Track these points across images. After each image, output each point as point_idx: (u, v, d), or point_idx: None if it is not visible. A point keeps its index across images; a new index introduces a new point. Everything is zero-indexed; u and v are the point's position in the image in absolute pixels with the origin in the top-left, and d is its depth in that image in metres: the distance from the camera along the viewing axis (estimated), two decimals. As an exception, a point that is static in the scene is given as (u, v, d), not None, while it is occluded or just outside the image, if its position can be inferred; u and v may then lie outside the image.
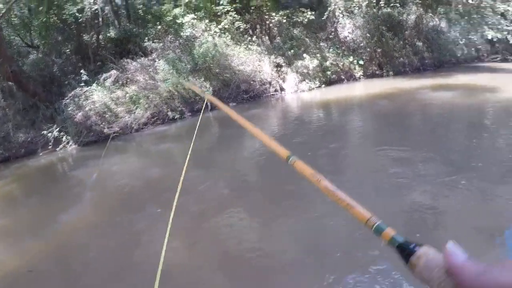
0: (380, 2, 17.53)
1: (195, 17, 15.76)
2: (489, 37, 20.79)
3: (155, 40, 13.76)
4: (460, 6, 18.97)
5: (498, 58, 24.99)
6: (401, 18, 19.86)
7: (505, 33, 22.83)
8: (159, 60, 12.86)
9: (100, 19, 13.13)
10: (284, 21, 16.91)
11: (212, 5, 16.68)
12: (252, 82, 14.47)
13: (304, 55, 16.07)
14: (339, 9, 17.54)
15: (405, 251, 0.60)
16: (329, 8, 17.37)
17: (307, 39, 17.08)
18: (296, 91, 15.43)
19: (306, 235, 4.66)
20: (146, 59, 12.90)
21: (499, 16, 22.25)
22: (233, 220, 5.19)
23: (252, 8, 16.63)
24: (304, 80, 15.70)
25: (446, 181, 5.75)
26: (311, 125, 10.60)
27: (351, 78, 17.45)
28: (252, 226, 5.10)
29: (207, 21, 15.91)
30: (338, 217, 4.69)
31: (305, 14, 17.09)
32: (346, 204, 0.82)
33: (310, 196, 5.45)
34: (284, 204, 5.56)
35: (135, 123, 10.60)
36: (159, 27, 14.59)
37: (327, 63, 16.52)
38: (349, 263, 4.02)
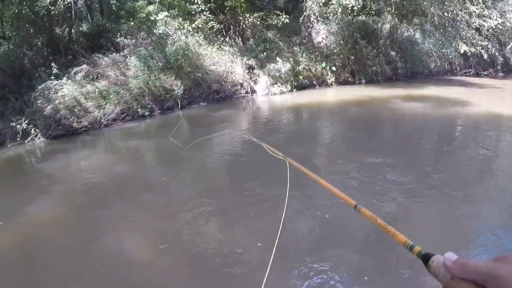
0: (354, 9, 18.22)
1: (169, 15, 16.25)
2: (462, 51, 21.70)
3: (127, 36, 14.22)
4: (435, 18, 19.78)
5: (471, 72, 26.17)
6: (375, 26, 20.80)
7: (479, 48, 23.91)
8: (130, 56, 13.36)
9: (73, 13, 13.47)
10: (258, 23, 17.51)
11: (187, 3, 17.17)
12: (223, 83, 15.11)
13: (277, 58, 16.75)
14: (314, 14, 18.14)
15: (425, 259, 0.85)
16: (304, 13, 17.98)
17: (280, 43, 17.83)
18: (268, 94, 16.16)
19: (273, 236, 5.04)
20: (118, 55, 13.36)
21: (473, 31, 23.34)
22: (200, 220, 5.46)
23: (227, 8, 17.18)
24: (276, 83, 16.44)
25: (413, 188, 6.42)
26: (281, 129, 11.24)
27: (323, 84, 18.25)
28: (220, 226, 5.38)
29: (180, 19, 16.49)
30: (301, 220, 5.26)
31: (280, 17, 17.77)
32: (393, 233, 1.13)
33: (279, 199, 5.79)
34: (253, 205, 5.88)
35: (105, 119, 11.03)
36: (132, 23, 15.00)
37: (300, 68, 17.27)
38: (311, 261, 4.34)
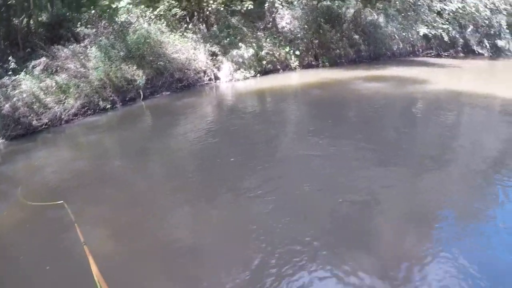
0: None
1: (131, 2, 16.13)
2: (421, 34, 22.29)
3: (88, 26, 14.08)
4: (397, 2, 20.23)
5: (432, 53, 26.95)
6: (340, 11, 20.99)
7: (440, 30, 24.61)
8: (91, 47, 13.23)
9: (31, 1, 13.21)
10: (222, 9, 17.49)
11: None
12: (186, 71, 15.17)
13: (240, 44, 16.89)
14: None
15: None
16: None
17: (244, 28, 17.88)
18: (231, 80, 16.37)
19: (236, 226, 5.31)
20: (78, 45, 13.22)
21: (435, 14, 23.98)
22: (163, 211, 5.68)
23: (191, -6, 17.07)
24: (239, 69, 16.63)
25: (376, 169, 6.85)
26: (244, 114, 11.65)
27: (287, 68, 18.55)
28: (183, 217, 5.63)
29: (142, 6, 16.37)
30: (269, 209, 5.53)
31: (243, 2, 17.76)
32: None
33: (243, 189, 6.31)
34: (218, 195, 6.19)
35: (65, 114, 10.90)
36: (93, 11, 14.86)
37: (263, 53, 17.44)
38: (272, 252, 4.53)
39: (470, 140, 8.77)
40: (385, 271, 4.11)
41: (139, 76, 13.51)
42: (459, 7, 25.57)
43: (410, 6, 21.25)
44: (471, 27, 30.34)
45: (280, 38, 18.78)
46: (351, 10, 21.54)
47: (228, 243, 4.87)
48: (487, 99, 12.61)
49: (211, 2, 17.08)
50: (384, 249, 4.59)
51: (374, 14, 23.06)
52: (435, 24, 24.45)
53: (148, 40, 14.35)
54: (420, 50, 26.44)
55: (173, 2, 16.68)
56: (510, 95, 12.69)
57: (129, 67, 13.48)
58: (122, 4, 15.55)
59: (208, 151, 8.26)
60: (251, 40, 17.58)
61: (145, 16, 15.80)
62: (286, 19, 19.44)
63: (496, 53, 35.48)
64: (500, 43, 36.46)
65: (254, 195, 5.94)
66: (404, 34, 23.55)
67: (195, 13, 17.51)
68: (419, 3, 21.21)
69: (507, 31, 35.11)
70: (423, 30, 22.04)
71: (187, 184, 6.70)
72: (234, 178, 6.81)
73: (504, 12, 31.51)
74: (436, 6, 23.59)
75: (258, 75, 17.12)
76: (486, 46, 33.57)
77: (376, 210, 5.50)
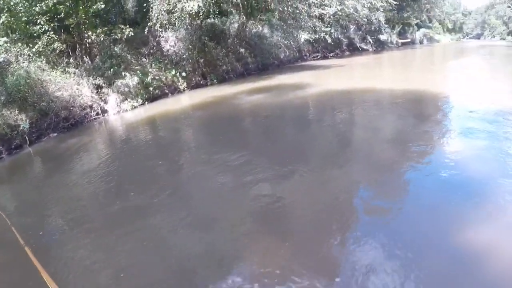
0: (200, 15, 19.02)
1: (8, 40, 15.82)
2: (302, 40, 23.78)
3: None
4: (276, 13, 21.35)
5: (319, 56, 28.82)
6: (224, 27, 21.77)
7: (323, 34, 26.30)
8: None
9: None
10: (102, 39, 17.79)
11: (28, 25, 16.72)
12: (72, 108, 15.12)
13: (124, 73, 17.32)
14: (162, 22, 18.70)
15: None
16: (149, 23, 18.47)
17: (128, 56, 18.17)
18: (119, 111, 16.59)
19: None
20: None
21: (316, 20, 25.59)
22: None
23: (72, 26, 17.01)
24: (126, 99, 16.92)
25: (280, 175, 7.34)
26: (137, 145, 11.79)
27: (175, 91, 19.12)
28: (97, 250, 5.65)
29: (19, 44, 16.04)
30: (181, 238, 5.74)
31: (123, 30, 18.02)
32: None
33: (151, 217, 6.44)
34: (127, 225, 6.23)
35: None
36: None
37: (148, 79, 17.83)
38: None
39: (347, 136, 10.33)
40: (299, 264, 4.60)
41: (23, 121, 13.18)
42: (338, 10, 27.40)
43: (289, 15, 22.39)
44: (353, 26, 32.80)
45: (166, 61, 19.30)
46: (235, 25, 22.41)
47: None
48: (365, 94, 14.90)
49: (90, 33, 17.16)
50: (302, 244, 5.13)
51: (259, 26, 24.13)
52: (317, 29, 26.06)
53: (28, 81, 14.11)
54: (308, 54, 28.03)
55: (53, 36, 16.49)
56: (386, 87, 14.55)
57: (11, 112, 13.14)
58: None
59: (104, 193, 8.06)
60: (136, 67, 17.93)
61: (24, 55, 15.49)
62: (170, 41, 19.99)
63: (380, 46, 38.86)
64: (382, 37, 40.01)
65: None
66: (286, 42, 24.82)
67: (77, 45, 17.50)
68: (298, 11, 22.39)
69: (386, 25, 38.50)
70: (304, 36, 23.46)
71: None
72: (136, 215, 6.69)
73: (381, 9, 34.31)
74: (314, 11, 25.06)
75: (146, 102, 17.48)
76: (369, 42, 36.45)
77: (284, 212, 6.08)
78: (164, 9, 18.45)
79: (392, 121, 11.60)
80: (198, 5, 17.85)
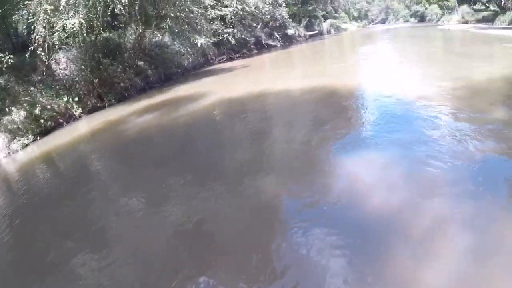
0: (95, 30, 17.72)
1: None
2: (199, 45, 22.80)
3: None
4: (168, 20, 20.43)
5: (224, 59, 28.23)
6: (120, 40, 20.43)
7: (226, 35, 25.62)
8: None
9: None
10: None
11: None
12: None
13: (10, 108, 15.42)
14: (49, 43, 17.11)
15: None
16: (30, 47, 16.83)
17: (16, 87, 16.36)
18: (9, 153, 14.60)
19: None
20: None
21: (216, 22, 24.84)
22: None
23: None
24: (15, 138, 15.07)
25: (204, 193, 6.95)
26: (37, 189, 10.39)
27: (71, 119, 17.38)
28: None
29: None
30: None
31: (2, 58, 15.83)
32: None
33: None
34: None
35: None
36: None
37: (36, 110, 16.05)
38: None
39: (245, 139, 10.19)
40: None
41: None
42: (238, 9, 26.85)
43: (184, 20, 21.47)
44: (258, 24, 32.42)
45: (58, 87, 17.60)
46: (133, 37, 21.16)
47: None
48: (258, 99, 14.54)
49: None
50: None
51: (159, 34, 23.01)
52: (220, 31, 25.34)
53: None
54: (214, 58, 27.32)
55: None
56: (283, 87, 15.27)
57: None
58: None
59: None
60: (24, 99, 16.23)
61: None
62: (62, 63, 18.41)
63: (288, 41, 39.09)
64: (289, 32, 40.29)
65: None
66: (184, 49, 23.93)
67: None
68: (192, 15, 21.53)
69: (291, 20, 38.65)
70: (201, 40, 22.41)
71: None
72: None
73: (284, 4, 34.32)
74: (211, 14, 24.34)
75: (39, 137, 15.61)
76: (277, 38, 36.44)
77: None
78: (47, 29, 16.79)
79: (299, 128, 10.99)
80: (80, 21, 16.41)
